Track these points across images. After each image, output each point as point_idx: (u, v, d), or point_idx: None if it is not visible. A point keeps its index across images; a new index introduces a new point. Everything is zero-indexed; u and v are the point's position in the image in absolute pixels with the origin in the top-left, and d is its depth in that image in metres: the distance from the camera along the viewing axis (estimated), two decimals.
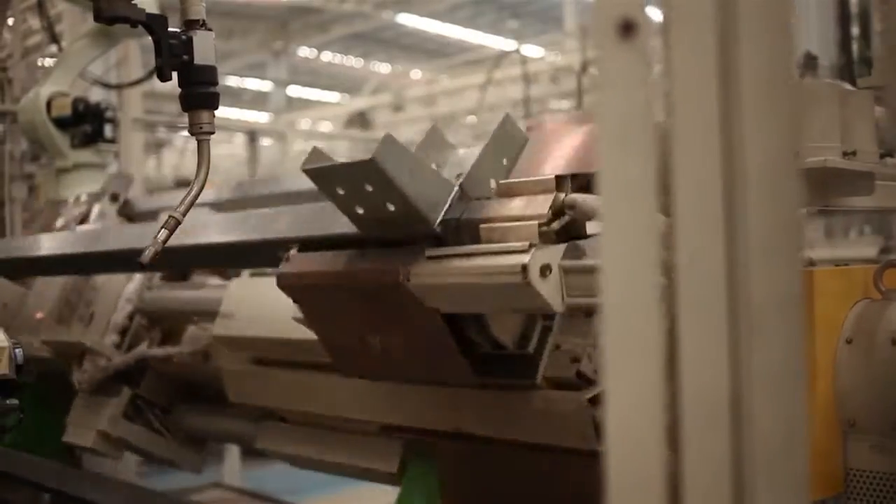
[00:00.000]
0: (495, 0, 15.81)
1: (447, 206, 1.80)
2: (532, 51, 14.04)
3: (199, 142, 2.03)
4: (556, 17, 15.27)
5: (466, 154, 2.01)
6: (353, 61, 18.88)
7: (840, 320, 1.76)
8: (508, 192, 1.79)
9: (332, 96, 20.17)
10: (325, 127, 16.99)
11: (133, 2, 1.91)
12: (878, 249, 4.58)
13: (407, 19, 16.02)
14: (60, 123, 4.34)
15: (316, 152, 1.83)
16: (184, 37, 1.97)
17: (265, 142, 13.43)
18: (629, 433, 0.76)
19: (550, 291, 1.63)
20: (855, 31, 4.82)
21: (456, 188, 1.81)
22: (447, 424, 2.20)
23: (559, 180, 1.70)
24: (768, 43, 0.75)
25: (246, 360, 2.90)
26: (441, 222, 1.79)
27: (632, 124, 0.74)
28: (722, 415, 0.75)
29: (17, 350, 2.25)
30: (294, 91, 19.27)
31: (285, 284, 2.08)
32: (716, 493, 0.75)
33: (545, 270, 1.62)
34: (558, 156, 1.90)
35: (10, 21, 6.03)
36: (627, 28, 0.73)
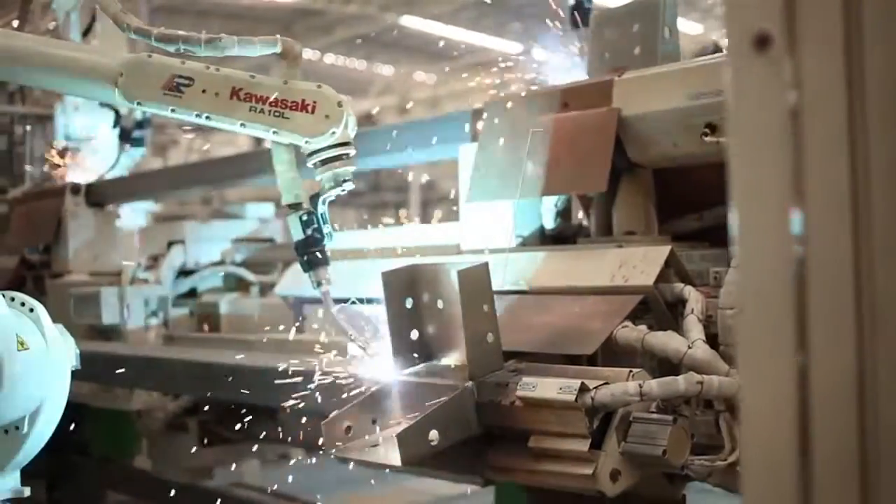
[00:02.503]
0: (499, 2, 15.85)
1: None
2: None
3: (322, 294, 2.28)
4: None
5: None
6: (356, 63, 18.91)
7: None
8: None
9: None
10: None
11: None
12: None
13: (410, 21, 16.04)
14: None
15: None
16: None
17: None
18: (763, 419, 0.81)
19: None
20: None
21: None
22: None
23: None
24: (892, 51, 0.80)
25: None
26: None
27: (765, 134, 0.79)
28: (849, 403, 0.80)
29: None
30: None
31: None
32: (844, 483, 0.80)
33: None
34: None
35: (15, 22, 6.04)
36: (763, 41, 0.78)
